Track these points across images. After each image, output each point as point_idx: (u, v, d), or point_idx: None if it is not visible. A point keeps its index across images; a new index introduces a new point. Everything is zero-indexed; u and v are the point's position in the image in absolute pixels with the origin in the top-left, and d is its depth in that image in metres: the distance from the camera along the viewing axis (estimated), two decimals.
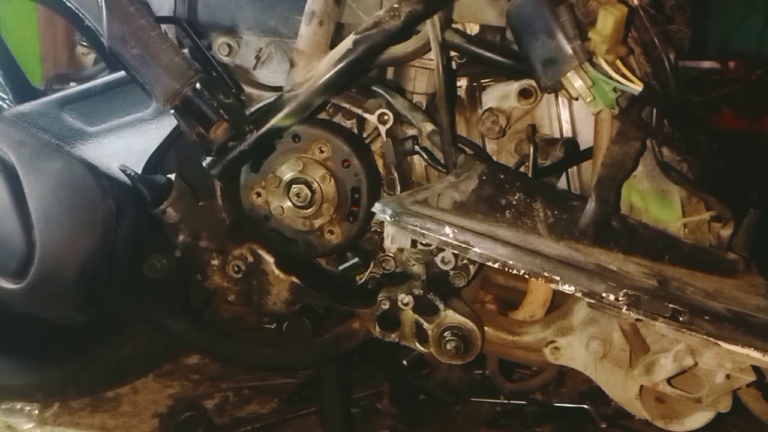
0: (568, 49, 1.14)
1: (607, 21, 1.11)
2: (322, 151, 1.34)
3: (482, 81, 1.46)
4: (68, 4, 1.30)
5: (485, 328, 1.35)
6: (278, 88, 1.35)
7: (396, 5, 1.22)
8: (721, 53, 3.45)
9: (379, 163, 1.39)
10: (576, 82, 1.18)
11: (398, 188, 1.36)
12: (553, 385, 1.89)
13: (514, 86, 1.41)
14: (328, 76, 1.25)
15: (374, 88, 1.37)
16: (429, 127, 1.31)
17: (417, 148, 1.34)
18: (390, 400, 1.79)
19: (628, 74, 1.16)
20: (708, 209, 1.26)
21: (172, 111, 1.27)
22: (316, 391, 1.86)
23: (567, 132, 1.45)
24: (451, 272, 1.31)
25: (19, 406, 1.75)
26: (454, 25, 1.32)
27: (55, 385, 1.70)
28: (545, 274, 1.11)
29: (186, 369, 2.01)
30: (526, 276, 1.12)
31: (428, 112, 1.37)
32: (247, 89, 1.37)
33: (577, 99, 1.23)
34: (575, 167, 1.44)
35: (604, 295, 1.09)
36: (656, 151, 1.22)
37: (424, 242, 1.22)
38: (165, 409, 1.81)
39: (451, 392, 1.86)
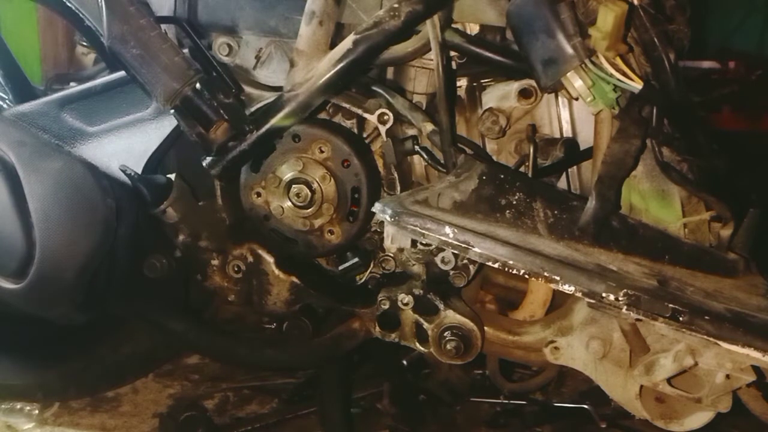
0: (569, 49, 1.15)
1: (607, 17, 1.11)
2: (322, 151, 1.34)
3: (482, 81, 1.46)
4: (68, 4, 1.30)
5: (485, 328, 1.35)
6: (278, 88, 1.35)
7: (396, 5, 1.22)
8: (721, 53, 3.45)
9: (379, 163, 1.39)
10: (576, 82, 1.18)
11: (398, 188, 1.36)
12: (553, 385, 1.89)
13: (514, 86, 1.41)
14: (328, 76, 1.25)
15: (374, 88, 1.37)
16: (429, 127, 1.31)
17: (417, 148, 1.34)
18: (390, 400, 1.79)
19: (629, 72, 1.17)
20: (708, 209, 1.26)
21: (172, 111, 1.27)
22: (316, 391, 1.85)
23: (567, 132, 1.45)
24: (451, 272, 1.31)
25: (19, 406, 1.75)
26: (454, 25, 1.32)
27: (55, 385, 1.70)
28: (545, 274, 1.11)
29: (186, 369, 2.00)
30: (526, 276, 1.12)
31: (428, 112, 1.37)
32: (247, 89, 1.37)
33: (577, 99, 1.24)
34: (575, 167, 1.44)
35: (604, 295, 1.09)
36: (656, 150, 1.23)
37: (424, 242, 1.22)
38: (165, 409, 1.81)
39: (451, 392, 1.86)
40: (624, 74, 1.16)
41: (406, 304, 1.32)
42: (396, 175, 1.36)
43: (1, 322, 1.62)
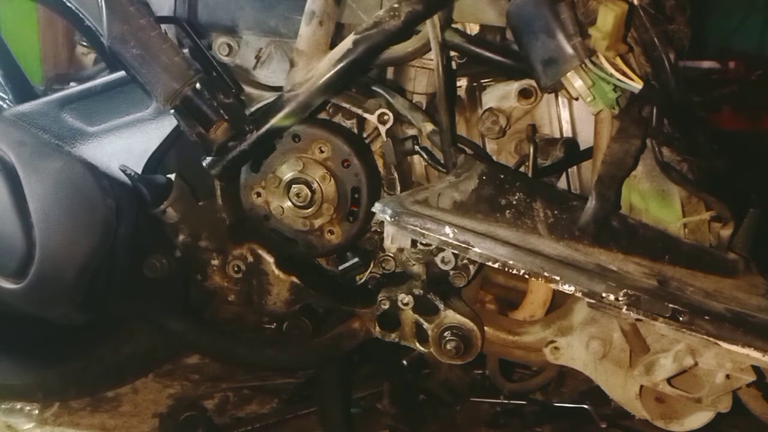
0: (569, 49, 1.15)
1: (607, 17, 1.11)
2: (322, 151, 1.34)
3: (482, 81, 1.46)
4: (68, 4, 1.30)
5: (485, 328, 1.35)
6: (278, 88, 1.35)
7: (396, 5, 1.22)
8: (721, 53, 3.46)
9: (379, 163, 1.39)
10: (576, 82, 1.18)
11: (398, 188, 1.36)
12: (553, 385, 1.89)
13: (514, 86, 1.41)
14: (328, 76, 1.25)
15: (374, 88, 1.37)
16: (429, 127, 1.31)
17: (417, 148, 1.34)
18: (390, 400, 1.79)
19: (629, 72, 1.17)
20: (708, 209, 1.26)
21: (172, 111, 1.27)
22: (316, 391, 1.85)
23: (567, 132, 1.45)
24: (451, 272, 1.31)
25: (19, 406, 1.75)
26: (454, 25, 1.32)
27: (55, 385, 1.70)
28: (545, 274, 1.11)
29: (186, 369, 2.00)
30: (526, 276, 1.12)
31: (428, 112, 1.37)
32: (247, 89, 1.37)
33: (577, 99, 1.24)
34: (575, 167, 1.44)
35: (604, 295, 1.09)
36: (656, 150, 1.23)
37: (424, 242, 1.22)
38: (165, 409, 1.81)
39: (451, 392, 1.86)
40: (624, 74, 1.16)
41: (406, 304, 1.32)
42: (396, 175, 1.36)
43: (1, 322, 1.62)
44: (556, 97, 1.44)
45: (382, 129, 1.33)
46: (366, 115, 1.34)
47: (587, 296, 1.10)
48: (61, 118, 1.37)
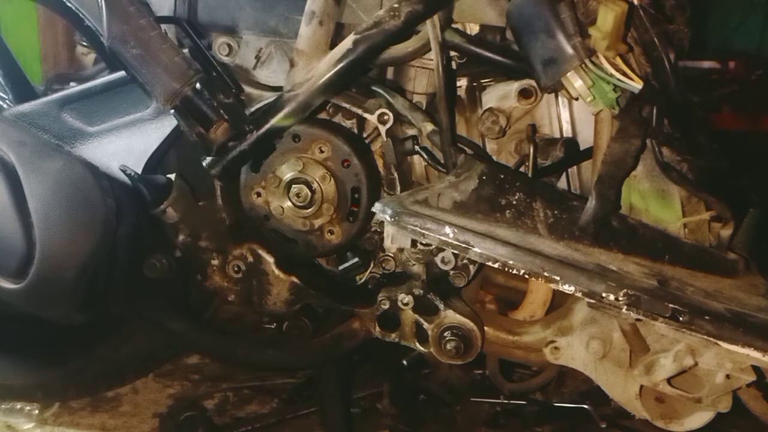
0: (569, 49, 1.15)
1: (607, 17, 1.11)
2: (322, 151, 1.34)
3: (482, 81, 1.46)
4: (68, 4, 1.31)
5: (485, 328, 1.35)
6: (278, 88, 1.35)
7: (396, 5, 1.22)
8: (721, 53, 3.46)
9: (379, 163, 1.39)
10: (576, 82, 1.18)
11: (398, 188, 1.36)
12: (553, 385, 1.89)
13: (514, 86, 1.41)
14: (328, 76, 1.25)
15: (374, 88, 1.37)
16: (429, 127, 1.31)
17: (417, 148, 1.34)
18: (390, 400, 1.78)
19: (629, 72, 1.17)
20: (708, 209, 1.26)
21: (172, 111, 1.27)
22: (316, 391, 1.85)
23: (567, 132, 1.45)
24: (451, 272, 1.31)
25: (19, 406, 1.75)
26: (454, 25, 1.32)
27: (55, 385, 1.70)
28: (545, 274, 1.11)
29: (186, 369, 2.00)
30: (526, 276, 1.12)
31: (428, 112, 1.37)
32: (247, 89, 1.37)
33: (577, 99, 1.24)
34: (575, 167, 1.44)
35: (604, 295, 1.09)
36: (656, 150, 1.23)
37: (424, 242, 1.22)
38: (165, 409, 1.81)
39: (451, 392, 1.86)
40: (624, 74, 1.16)
41: (406, 304, 1.32)
42: (396, 175, 1.36)
43: (1, 322, 1.62)
44: (556, 97, 1.44)
45: (382, 129, 1.33)
46: (366, 115, 1.34)
47: (587, 296, 1.10)
48: (61, 118, 1.37)
